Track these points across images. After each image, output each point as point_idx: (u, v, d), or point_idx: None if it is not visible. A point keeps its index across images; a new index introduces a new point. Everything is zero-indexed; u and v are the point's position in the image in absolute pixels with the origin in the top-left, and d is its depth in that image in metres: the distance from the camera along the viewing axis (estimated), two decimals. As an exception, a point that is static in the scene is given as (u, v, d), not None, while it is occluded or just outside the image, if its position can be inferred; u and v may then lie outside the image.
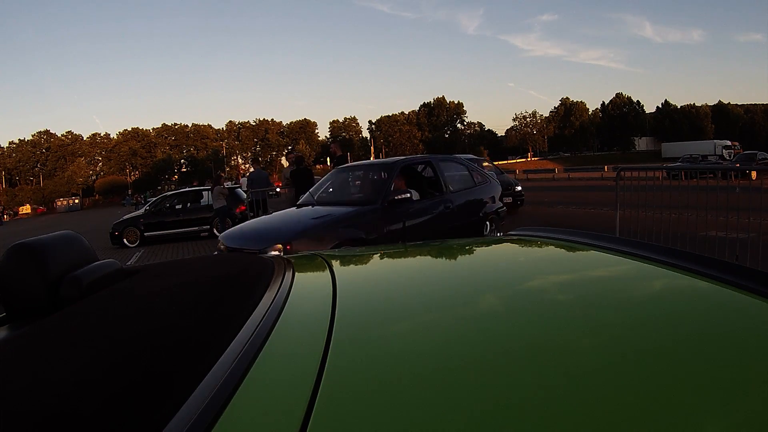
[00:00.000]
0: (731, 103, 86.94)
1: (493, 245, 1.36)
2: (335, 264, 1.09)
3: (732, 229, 4.67)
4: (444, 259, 1.29)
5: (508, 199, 10.84)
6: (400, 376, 0.52)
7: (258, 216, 7.21)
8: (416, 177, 5.89)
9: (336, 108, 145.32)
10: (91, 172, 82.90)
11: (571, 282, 0.91)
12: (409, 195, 4.84)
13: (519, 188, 12.35)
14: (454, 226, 5.44)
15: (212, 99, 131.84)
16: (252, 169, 10.14)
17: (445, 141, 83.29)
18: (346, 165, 6.96)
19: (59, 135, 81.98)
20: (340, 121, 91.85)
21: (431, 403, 0.46)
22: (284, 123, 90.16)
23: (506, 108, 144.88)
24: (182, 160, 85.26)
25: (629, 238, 1.44)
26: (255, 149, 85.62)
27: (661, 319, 0.66)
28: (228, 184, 13.67)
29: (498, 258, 1.23)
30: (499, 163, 36.35)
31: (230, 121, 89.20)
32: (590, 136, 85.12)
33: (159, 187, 73.09)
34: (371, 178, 5.78)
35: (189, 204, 12.50)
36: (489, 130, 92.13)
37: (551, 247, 1.18)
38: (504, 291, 0.86)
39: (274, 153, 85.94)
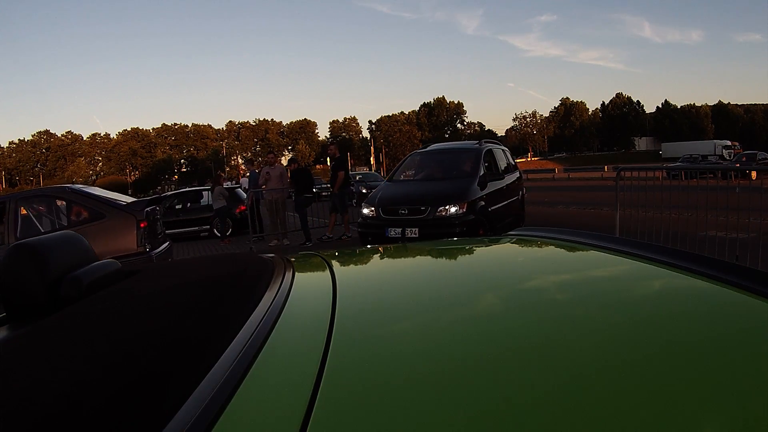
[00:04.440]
0: (731, 103, 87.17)
1: (493, 245, 1.36)
2: (335, 264, 1.09)
3: (732, 229, 4.67)
4: (444, 258, 1.29)
5: None
6: (400, 376, 0.52)
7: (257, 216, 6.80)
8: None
9: (336, 108, 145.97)
10: (91, 172, 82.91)
11: (570, 282, 0.91)
12: None
13: None
14: None
15: (212, 99, 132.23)
16: (257, 170, 10.16)
17: (445, 141, 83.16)
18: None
19: (59, 135, 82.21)
20: (340, 121, 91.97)
21: (431, 403, 0.46)
22: (284, 123, 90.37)
23: (506, 108, 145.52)
24: (182, 160, 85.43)
25: (629, 238, 1.44)
26: (255, 149, 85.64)
27: (660, 319, 0.66)
28: (228, 184, 13.66)
29: (498, 258, 1.23)
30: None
31: (230, 121, 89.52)
32: (590, 136, 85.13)
33: (159, 188, 73.21)
34: None
35: (189, 204, 12.49)
36: (489, 130, 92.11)
37: (551, 247, 1.17)
38: (504, 291, 0.86)
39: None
